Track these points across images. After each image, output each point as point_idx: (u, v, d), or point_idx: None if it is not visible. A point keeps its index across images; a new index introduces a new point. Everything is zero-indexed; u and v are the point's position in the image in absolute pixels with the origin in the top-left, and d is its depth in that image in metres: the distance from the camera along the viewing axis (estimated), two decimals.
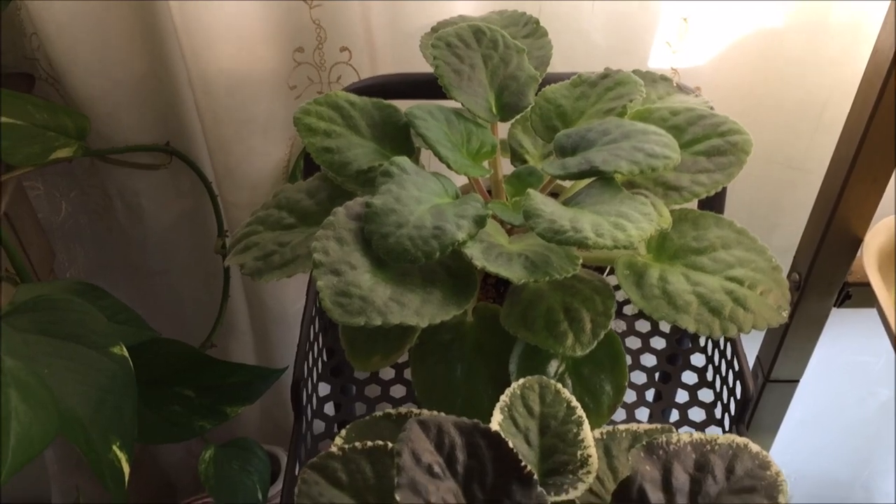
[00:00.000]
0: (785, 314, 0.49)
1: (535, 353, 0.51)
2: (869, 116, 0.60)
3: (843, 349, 1.02)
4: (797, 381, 0.79)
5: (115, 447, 0.59)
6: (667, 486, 0.41)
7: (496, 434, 0.40)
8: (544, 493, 0.39)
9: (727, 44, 0.73)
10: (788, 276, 0.74)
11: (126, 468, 0.59)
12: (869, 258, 0.67)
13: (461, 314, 0.53)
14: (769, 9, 0.71)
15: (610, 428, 0.47)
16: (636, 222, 0.46)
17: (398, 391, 0.69)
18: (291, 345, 0.99)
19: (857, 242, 0.68)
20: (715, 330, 0.48)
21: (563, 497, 0.41)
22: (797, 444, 1.10)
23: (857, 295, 0.72)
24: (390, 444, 0.43)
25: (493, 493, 0.39)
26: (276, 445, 1.09)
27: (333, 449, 0.44)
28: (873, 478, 1.18)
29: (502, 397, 0.45)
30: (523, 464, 0.39)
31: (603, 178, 0.50)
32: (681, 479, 0.41)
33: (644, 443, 0.41)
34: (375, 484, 0.43)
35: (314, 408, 0.69)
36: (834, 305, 0.73)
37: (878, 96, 0.59)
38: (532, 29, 0.62)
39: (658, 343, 0.74)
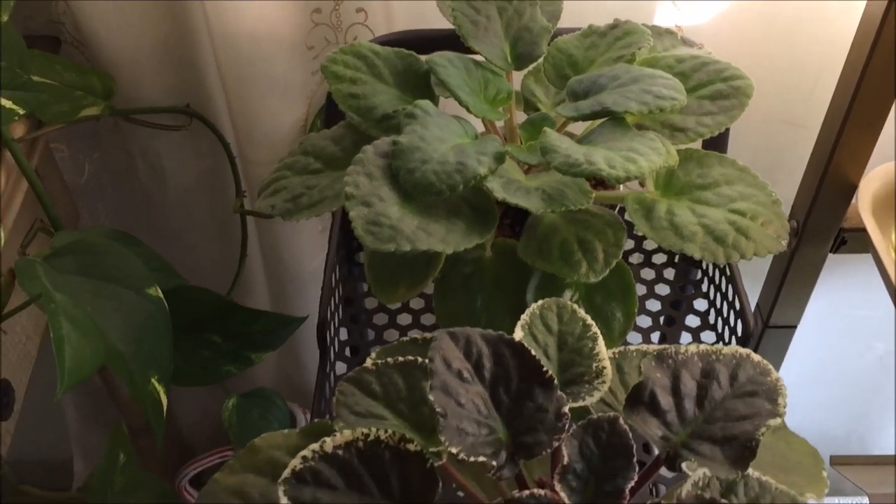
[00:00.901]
0: (784, 243, 0.53)
1: (550, 284, 0.55)
2: (864, 64, 0.63)
3: (842, 303, 1.05)
4: (795, 326, 0.83)
5: (153, 380, 0.62)
6: (675, 391, 0.44)
7: (520, 343, 0.44)
8: (564, 396, 0.43)
9: (729, 3, 0.76)
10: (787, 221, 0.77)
11: (164, 400, 0.63)
12: (864, 203, 0.71)
13: (481, 249, 0.57)
14: None
15: (622, 348, 0.51)
16: (646, 155, 0.50)
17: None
18: (307, 301, 1.03)
19: (852, 188, 0.71)
20: (719, 256, 0.51)
21: (580, 403, 0.45)
22: (794, 399, 1.13)
23: (853, 240, 0.75)
24: (420, 359, 0.47)
25: (517, 396, 0.43)
26: (292, 402, 1.13)
27: (368, 364, 0.47)
28: (870, 432, 1.22)
29: (523, 316, 0.48)
30: (545, 369, 0.43)
31: (613, 119, 0.54)
32: (688, 385, 0.45)
33: (654, 353, 0.45)
34: (407, 395, 0.46)
35: (336, 350, 0.73)
36: (830, 251, 0.76)
37: (872, 44, 0.62)
38: None
39: (662, 290, 0.78)
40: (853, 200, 0.73)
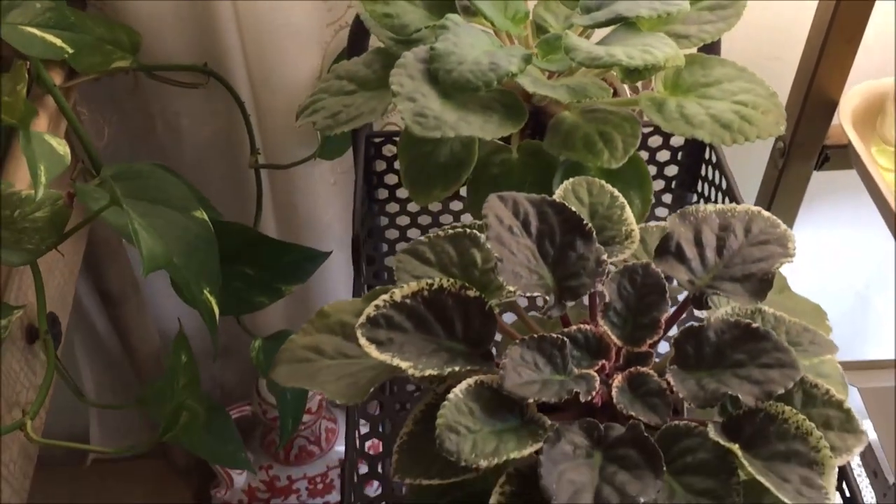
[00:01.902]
0: (782, 128, 0.59)
1: (574, 175, 0.60)
2: None
3: (825, 241, 1.12)
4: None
5: (206, 291, 0.67)
6: (698, 243, 0.50)
7: (561, 203, 0.49)
8: (601, 247, 0.49)
9: None
10: (774, 145, 0.84)
11: (216, 309, 0.68)
12: (845, 117, 0.78)
13: (507, 152, 0.63)
14: None
15: (643, 225, 0.57)
16: (660, 48, 0.56)
17: None
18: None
19: (833, 105, 0.78)
20: (726, 139, 0.57)
21: (613, 259, 0.51)
22: None
23: (835, 157, 0.82)
24: (468, 230, 0.52)
25: (561, 247, 0.49)
26: None
27: (423, 239, 0.53)
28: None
29: (557, 192, 0.54)
30: (585, 222, 0.49)
31: (625, 25, 0.60)
32: (709, 237, 0.51)
33: (678, 211, 0.51)
34: (458, 261, 0.52)
35: (365, 267, 0.78)
36: (815, 168, 0.83)
37: None
38: None
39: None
40: (834, 120, 0.80)
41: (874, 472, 0.79)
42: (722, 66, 0.62)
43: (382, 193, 0.85)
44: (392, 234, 0.85)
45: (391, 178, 0.84)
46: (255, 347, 0.93)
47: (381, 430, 0.71)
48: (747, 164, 0.87)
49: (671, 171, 0.82)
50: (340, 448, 1.24)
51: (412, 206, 0.85)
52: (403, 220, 0.85)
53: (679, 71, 0.61)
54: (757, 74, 0.62)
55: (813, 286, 1.16)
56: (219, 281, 0.69)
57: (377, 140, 0.81)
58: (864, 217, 1.05)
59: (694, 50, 0.63)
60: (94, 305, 1.16)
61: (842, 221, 1.09)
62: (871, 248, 1.11)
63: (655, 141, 0.80)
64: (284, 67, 0.91)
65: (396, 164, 0.82)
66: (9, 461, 0.71)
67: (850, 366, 0.89)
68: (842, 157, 0.80)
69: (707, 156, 0.79)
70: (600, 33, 0.62)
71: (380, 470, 0.66)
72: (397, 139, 0.80)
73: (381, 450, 0.70)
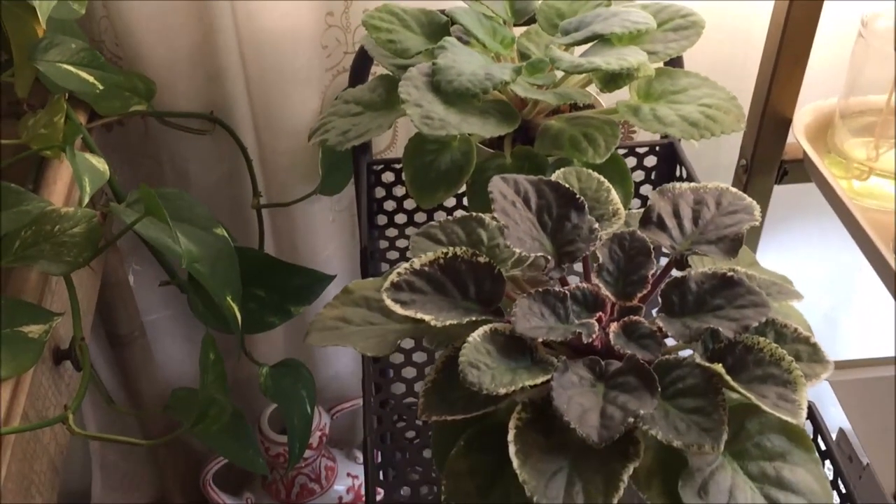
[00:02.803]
0: (742, 125, 0.67)
1: None
2: (786, 12, 0.80)
3: (790, 262, 1.20)
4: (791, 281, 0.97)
5: (228, 298, 0.73)
6: (676, 214, 0.57)
7: (556, 181, 0.57)
8: (593, 218, 0.56)
9: None
10: (738, 162, 0.93)
11: (238, 315, 0.73)
12: (799, 133, 0.86)
13: (502, 157, 0.70)
14: None
15: (627, 211, 0.64)
16: (633, 56, 0.64)
17: None
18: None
19: (787, 122, 0.87)
20: (695, 135, 0.65)
21: (603, 232, 0.58)
22: None
23: (793, 171, 0.90)
24: (474, 213, 0.59)
25: (558, 218, 0.56)
26: None
27: (434, 222, 0.60)
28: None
29: (552, 177, 0.61)
30: (578, 196, 0.56)
31: (601, 41, 0.68)
32: (685, 210, 0.58)
33: (657, 188, 0.58)
34: (466, 239, 0.59)
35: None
36: (775, 182, 0.91)
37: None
38: None
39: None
40: (790, 138, 0.89)
41: (849, 458, 0.85)
42: (687, 76, 0.71)
43: (382, 219, 0.91)
44: (392, 255, 0.91)
45: (390, 205, 0.91)
46: (262, 374, 0.98)
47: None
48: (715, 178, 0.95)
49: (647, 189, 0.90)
50: (340, 487, 1.28)
51: (410, 230, 0.91)
52: (402, 243, 0.91)
53: (650, 81, 0.69)
54: (718, 83, 0.70)
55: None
56: (239, 290, 0.75)
57: (377, 168, 0.88)
58: (829, 239, 1.13)
59: (661, 64, 0.72)
60: (100, 353, 1.21)
61: (807, 243, 1.17)
62: (837, 270, 1.19)
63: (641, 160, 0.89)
64: (286, 110, 0.99)
65: (395, 191, 0.90)
66: (39, 471, 0.76)
67: None
68: (799, 170, 0.89)
69: (678, 172, 0.87)
70: (580, 52, 0.70)
71: None
72: (396, 165, 0.87)
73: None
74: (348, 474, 1.28)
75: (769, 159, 0.89)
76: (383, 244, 0.92)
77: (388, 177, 0.89)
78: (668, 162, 0.89)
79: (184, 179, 1.06)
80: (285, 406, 0.97)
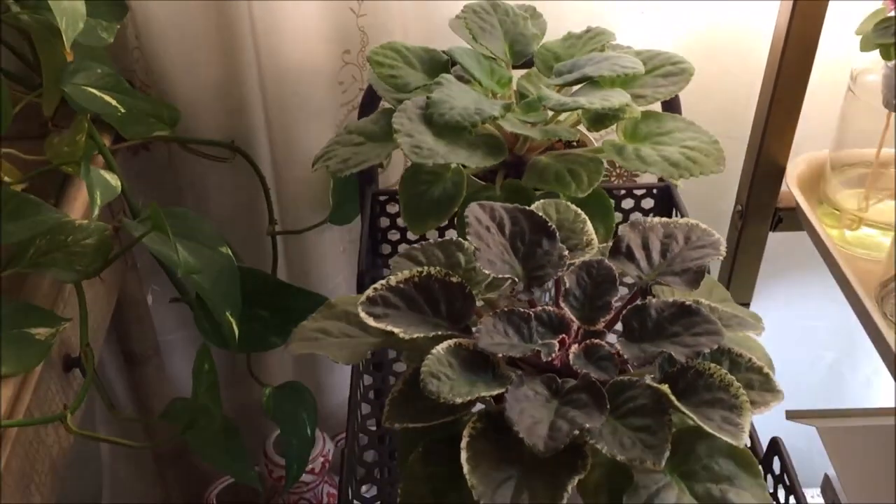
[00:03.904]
0: (721, 168, 0.70)
1: None
2: (777, 68, 0.83)
3: (792, 315, 1.21)
4: (748, 304, 0.99)
5: (227, 314, 0.77)
6: (645, 246, 0.60)
7: (531, 210, 0.60)
8: (563, 246, 0.59)
9: (677, 35, 0.96)
10: (734, 209, 0.95)
11: (236, 330, 0.77)
12: (791, 182, 0.89)
13: (491, 189, 0.73)
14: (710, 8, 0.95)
15: (604, 245, 0.67)
16: (616, 98, 0.67)
17: None
18: None
19: (781, 170, 0.89)
20: (674, 174, 0.68)
21: (576, 260, 0.60)
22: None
23: (787, 219, 0.92)
24: (454, 238, 0.63)
25: (529, 244, 0.59)
26: None
27: (416, 245, 0.63)
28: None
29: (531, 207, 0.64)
30: (550, 224, 0.59)
31: (591, 83, 0.72)
32: (655, 243, 0.60)
33: (629, 221, 0.61)
34: (445, 262, 0.62)
35: None
36: (770, 230, 0.93)
37: (782, 48, 0.82)
38: (532, 12, 0.85)
39: None
40: (783, 187, 0.91)
41: (832, 503, 0.85)
42: (673, 120, 0.74)
43: (385, 248, 0.95)
44: None
45: (393, 235, 0.94)
46: (266, 394, 1.01)
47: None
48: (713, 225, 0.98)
49: None
50: None
51: None
52: None
53: (636, 123, 0.73)
54: (702, 127, 0.73)
55: (784, 358, 1.25)
56: (239, 306, 0.79)
57: (382, 198, 0.92)
58: (832, 290, 1.15)
59: (650, 107, 0.75)
60: (116, 370, 1.25)
61: (811, 294, 1.18)
62: (841, 321, 1.20)
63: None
64: (302, 143, 1.03)
65: (399, 221, 0.94)
66: (40, 471, 0.79)
67: (809, 414, 0.97)
68: (793, 218, 0.91)
69: (673, 215, 0.90)
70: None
71: None
72: None
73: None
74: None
75: (763, 206, 0.91)
76: (386, 272, 0.96)
77: (393, 208, 0.93)
78: (665, 204, 0.91)
79: (204, 205, 1.11)
80: (285, 426, 1.00)
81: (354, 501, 0.70)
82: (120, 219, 0.81)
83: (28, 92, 0.84)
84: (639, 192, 0.91)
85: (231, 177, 1.10)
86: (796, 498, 0.62)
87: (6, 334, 0.67)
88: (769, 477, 0.66)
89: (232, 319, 0.77)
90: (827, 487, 0.87)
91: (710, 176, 1.05)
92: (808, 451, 1.34)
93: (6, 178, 0.75)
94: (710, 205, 1.06)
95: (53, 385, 0.81)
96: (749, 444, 0.50)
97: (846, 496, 0.84)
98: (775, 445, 0.64)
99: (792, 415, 0.96)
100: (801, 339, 1.24)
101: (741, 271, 0.95)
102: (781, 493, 0.65)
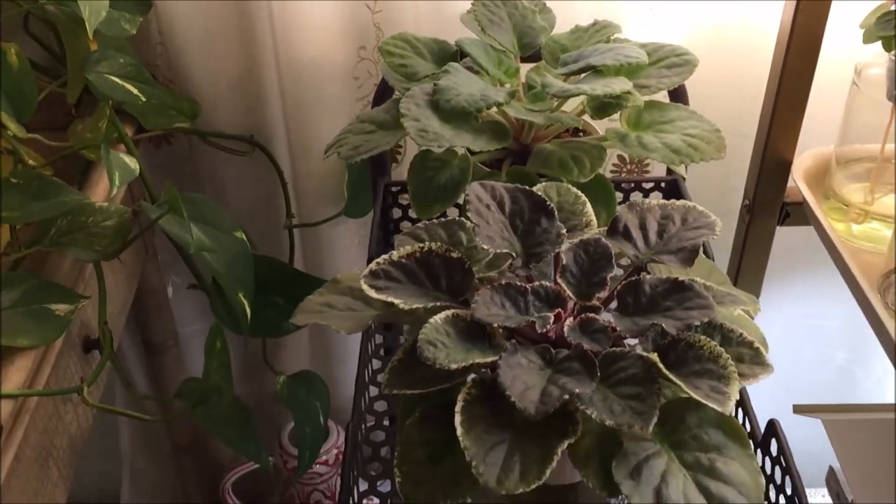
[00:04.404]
0: (722, 154, 0.71)
1: None
2: (782, 64, 0.84)
3: (802, 314, 1.22)
4: (757, 298, 1.00)
5: (240, 295, 0.79)
6: (643, 227, 0.62)
7: (531, 190, 0.61)
8: (561, 224, 0.60)
9: (685, 32, 0.98)
10: (742, 203, 0.96)
11: (248, 310, 0.79)
12: (798, 176, 0.90)
13: (497, 176, 0.75)
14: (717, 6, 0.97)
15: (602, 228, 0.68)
16: (618, 85, 0.69)
17: None
18: None
19: (787, 165, 0.90)
20: (675, 161, 0.70)
21: (575, 240, 0.62)
22: (766, 413, 1.27)
23: (794, 214, 0.93)
24: (458, 218, 0.64)
25: (528, 222, 0.60)
26: None
27: (420, 224, 0.65)
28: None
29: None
30: (548, 203, 0.60)
31: (595, 72, 0.74)
32: (652, 223, 0.62)
33: (627, 202, 0.63)
34: (448, 240, 0.64)
35: None
36: (778, 224, 0.94)
37: (787, 43, 0.83)
38: (541, 7, 0.87)
39: None
40: (790, 182, 0.92)
41: (837, 494, 0.86)
42: (676, 109, 0.75)
43: None
44: None
45: (406, 226, 0.96)
46: (279, 382, 1.03)
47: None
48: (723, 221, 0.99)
49: None
50: None
51: None
52: None
53: (640, 112, 0.74)
54: (704, 116, 0.75)
55: (796, 358, 1.25)
56: (252, 289, 0.81)
57: (394, 189, 0.94)
58: (842, 289, 1.15)
59: (654, 97, 0.76)
60: (136, 360, 1.28)
61: (821, 293, 1.19)
62: (851, 320, 1.20)
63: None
64: (319, 137, 1.05)
65: (411, 212, 0.95)
66: (59, 446, 0.82)
67: (815, 408, 0.97)
68: (801, 213, 0.92)
69: None
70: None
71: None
72: None
73: None
74: None
75: (771, 201, 0.92)
76: None
77: (404, 199, 0.95)
78: (673, 198, 0.92)
79: (223, 198, 1.14)
80: (298, 415, 1.02)
81: (360, 479, 0.72)
82: (139, 202, 0.84)
83: (54, 82, 0.87)
84: (647, 186, 0.92)
85: (250, 170, 1.12)
86: (791, 479, 0.63)
87: (27, 309, 0.70)
88: (767, 459, 0.67)
89: (245, 301, 0.79)
90: (832, 479, 0.87)
91: (720, 172, 1.07)
92: (820, 454, 1.34)
93: (31, 162, 0.78)
94: (721, 201, 1.07)
95: (73, 364, 0.84)
96: (733, 412, 0.51)
97: (850, 488, 0.84)
98: (772, 428, 0.65)
99: (799, 408, 0.97)
100: (813, 338, 1.24)
101: (749, 266, 0.96)
102: (778, 475, 0.66)
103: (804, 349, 1.25)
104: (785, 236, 1.00)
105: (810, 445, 1.35)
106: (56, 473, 0.80)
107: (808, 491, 0.62)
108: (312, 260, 1.17)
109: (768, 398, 1.23)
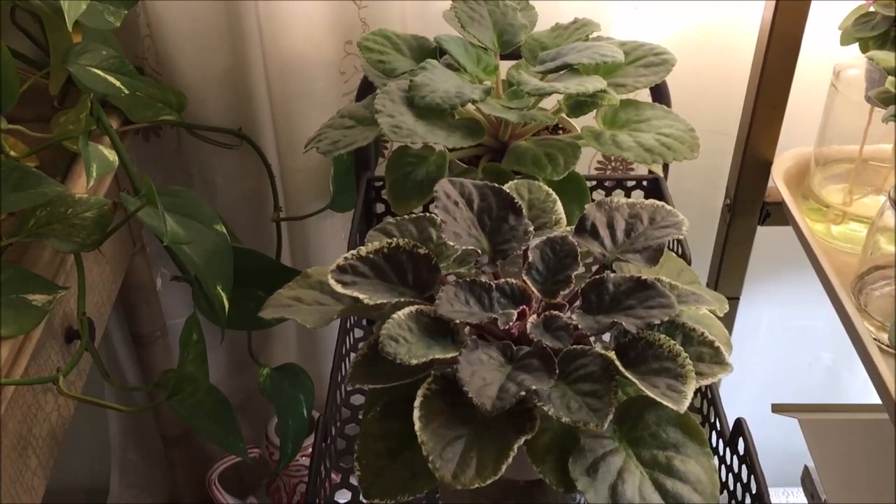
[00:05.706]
0: (695, 154, 0.71)
1: None
2: (762, 64, 0.84)
3: (790, 315, 1.22)
4: (738, 298, 1.00)
5: (218, 288, 0.80)
6: (610, 225, 0.62)
7: (499, 187, 0.62)
8: (529, 222, 0.61)
9: (669, 32, 0.98)
10: (723, 203, 0.96)
11: (226, 303, 0.80)
12: (778, 176, 0.90)
13: (473, 173, 0.76)
14: (701, 6, 0.97)
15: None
16: (592, 84, 0.69)
17: None
18: None
19: (767, 164, 0.90)
20: (648, 160, 0.70)
21: (545, 237, 0.62)
22: (751, 414, 1.28)
23: (775, 213, 0.94)
24: (428, 214, 0.65)
25: (496, 220, 0.61)
26: None
27: (391, 220, 0.65)
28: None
29: (503, 188, 0.66)
30: (516, 201, 0.61)
31: (571, 70, 0.74)
32: (620, 222, 0.62)
33: (596, 201, 0.63)
34: (418, 236, 0.64)
35: None
36: (758, 224, 0.95)
37: (766, 44, 0.83)
38: (524, 5, 0.87)
39: None
40: (770, 182, 0.92)
41: (811, 494, 0.86)
42: (652, 108, 0.75)
43: None
44: None
45: None
46: (263, 374, 1.04)
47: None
48: (703, 222, 0.99)
49: None
50: (341, 499, 1.32)
51: None
52: None
53: (616, 111, 0.75)
54: (680, 116, 0.75)
55: (782, 359, 1.25)
56: (231, 282, 0.81)
57: (377, 184, 0.95)
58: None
59: (630, 95, 0.77)
60: (125, 351, 1.29)
61: (806, 294, 1.19)
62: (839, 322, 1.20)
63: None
64: (306, 131, 1.05)
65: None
66: (38, 436, 0.82)
67: (792, 407, 0.97)
68: (781, 213, 0.92)
69: None
70: None
71: None
72: None
73: None
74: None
75: (751, 200, 0.92)
76: None
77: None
78: (654, 197, 0.93)
79: (211, 189, 1.15)
80: (281, 407, 1.03)
81: (332, 471, 0.72)
82: (120, 194, 0.85)
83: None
84: (629, 184, 0.93)
85: (238, 164, 1.13)
86: (755, 477, 0.64)
87: (4, 298, 0.70)
88: (734, 458, 0.67)
89: (223, 293, 0.80)
90: (806, 479, 0.88)
91: (702, 172, 1.08)
92: (805, 453, 1.34)
93: (12, 153, 0.78)
94: (703, 200, 1.07)
95: (54, 355, 0.84)
96: (686, 409, 0.51)
97: (823, 487, 0.84)
98: (739, 427, 0.65)
99: (777, 408, 0.97)
100: (800, 339, 1.24)
101: (730, 265, 0.97)
102: (745, 473, 0.66)
103: (791, 350, 1.25)
104: (771, 237, 1.00)
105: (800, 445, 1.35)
106: (35, 462, 0.81)
107: (788, 490, 0.63)
108: (300, 253, 1.17)
109: (756, 398, 1.23)
